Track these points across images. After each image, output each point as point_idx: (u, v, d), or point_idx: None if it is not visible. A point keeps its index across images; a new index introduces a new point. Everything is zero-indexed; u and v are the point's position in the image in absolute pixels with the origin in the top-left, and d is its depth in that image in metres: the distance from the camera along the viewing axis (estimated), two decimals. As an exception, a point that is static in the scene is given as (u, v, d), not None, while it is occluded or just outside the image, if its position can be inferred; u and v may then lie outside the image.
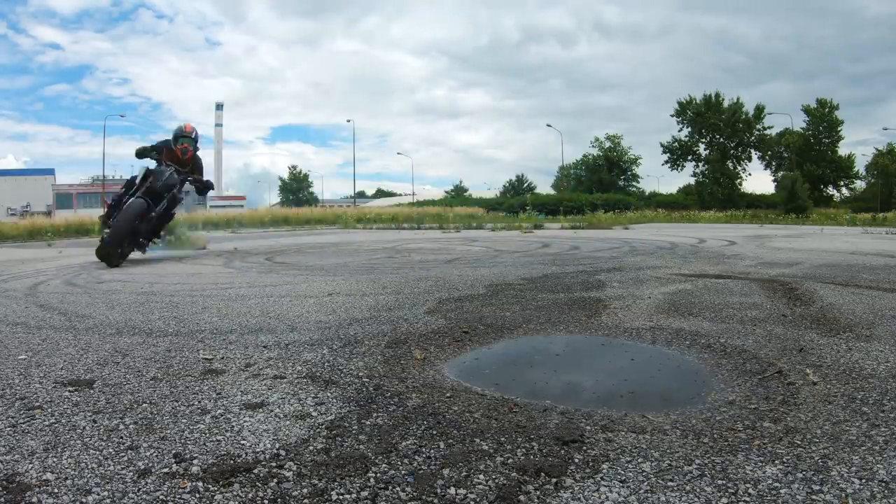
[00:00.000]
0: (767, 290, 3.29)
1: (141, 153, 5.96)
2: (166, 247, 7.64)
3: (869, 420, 1.33)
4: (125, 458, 1.15)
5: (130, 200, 5.63)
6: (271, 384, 1.64)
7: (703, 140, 46.35)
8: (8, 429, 1.31)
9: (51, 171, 61.79)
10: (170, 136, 6.22)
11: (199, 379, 1.69)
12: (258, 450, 1.20)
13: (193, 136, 6.30)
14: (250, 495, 1.01)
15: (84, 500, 0.99)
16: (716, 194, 42.15)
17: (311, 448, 1.20)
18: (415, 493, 1.02)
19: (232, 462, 1.14)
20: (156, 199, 5.75)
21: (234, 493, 1.02)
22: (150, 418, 1.38)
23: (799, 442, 1.22)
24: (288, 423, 1.35)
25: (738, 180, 45.31)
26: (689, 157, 46.92)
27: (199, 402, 1.49)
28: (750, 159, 46.12)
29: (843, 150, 45.71)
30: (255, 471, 1.10)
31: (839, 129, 45.24)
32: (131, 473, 1.09)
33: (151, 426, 1.32)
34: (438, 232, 14.26)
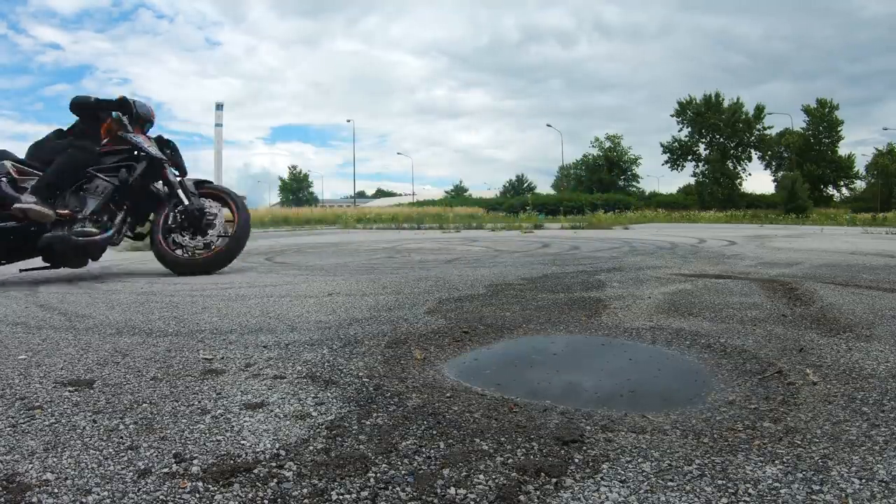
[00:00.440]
0: (767, 290, 3.29)
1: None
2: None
3: (869, 420, 1.33)
4: (125, 458, 1.15)
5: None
6: (271, 384, 1.64)
7: (703, 140, 46.40)
8: (8, 429, 1.31)
9: (51, 171, 61.56)
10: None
11: (199, 379, 1.69)
12: (258, 450, 1.20)
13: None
14: (250, 495, 1.01)
15: (84, 500, 0.99)
16: (716, 194, 42.19)
17: (311, 448, 1.20)
18: (415, 493, 1.02)
19: (232, 462, 1.14)
20: None
21: (234, 493, 1.02)
22: (150, 418, 1.38)
23: (799, 442, 1.22)
24: (288, 423, 1.35)
25: (738, 180, 45.38)
26: (689, 157, 46.97)
27: (199, 402, 1.49)
28: (750, 159, 46.20)
29: (843, 150, 45.84)
30: (255, 471, 1.10)
31: (839, 129, 45.30)
32: (131, 473, 1.09)
33: (151, 426, 1.32)
34: (438, 232, 14.26)
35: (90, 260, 4.72)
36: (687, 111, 45.39)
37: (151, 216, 4.91)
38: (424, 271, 4.46)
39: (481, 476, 1.08)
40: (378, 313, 2.69)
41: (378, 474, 1.09)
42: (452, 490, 1.03)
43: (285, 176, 66.23)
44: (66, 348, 2.08)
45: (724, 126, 43.96)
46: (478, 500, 1.00)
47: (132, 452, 1.18)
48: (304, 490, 1.03)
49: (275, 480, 1.06)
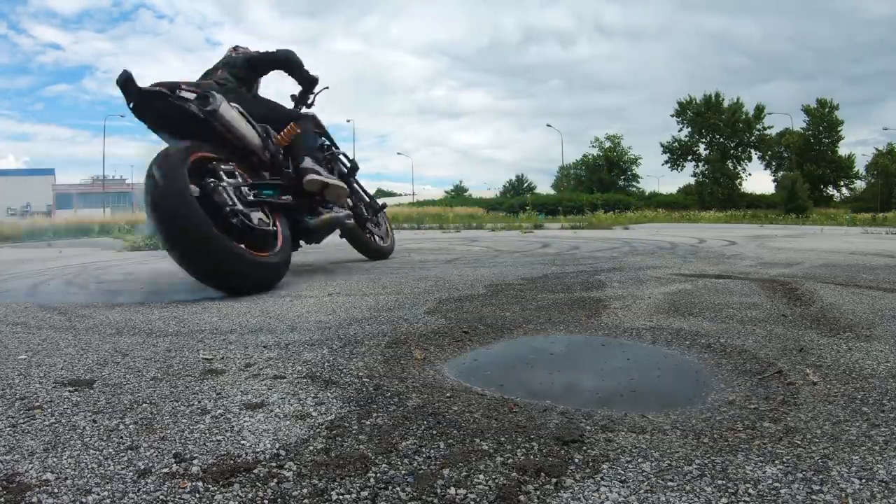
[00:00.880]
0: (767, 290, 3.29)
1: None
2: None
3: (869, 420, 1.33)
4: (125, 458, 1.15)
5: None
6: (271, 384, 1.64)
7: (703, 140, 46.42)
8: (8, 429, 1.31)
9: (51, 171, 61.82)
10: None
11: (199, 379, 1.69)
12: (258, 450, 1.20)
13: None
14: (250, 495, 1.01)
15: (84, 500, 0.99)
16: (716, 194, 42.21)
17: (311, 448, 1.20)
18: (415, 493, 1.02)
19: (232, 462, 1.14)
20: None
21: (234, 493, 1.02)
22: (150, 418, 1.38)
23: (799, 442, 1.22)
24: (288, 423, 1.35)
25: (738, 180, 45.40)
26: (689, 157, 47.00)
27: (199, 402, 1.49)
28: (750, 159, 46.23)
29: (843, 150, 45.88)
30: (255, 471, 1.10)
31: (839, 129, 45.32)
32: (131, 473, 1.09)
33: (151, 426, 1.32)
34: (438, 232, 14.26)
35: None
36: (687, 111, 45.39)
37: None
38: (424, 271, 4.46)
39: (481, 476, 1.08)
40: (378, 313, 2.69)
41: (378, 474, 1.09)
42: (452, 490, 1.03)
43: (285, 176, 66.04)
44: (66, 348, 2.08)
45: (724, 126, 43.96)
46: (478, 500, 1.00)
47: (132, 452, 1.18)
48: (304, 490, 1.03)
49: (275, 480, 1.07)
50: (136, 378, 1.70)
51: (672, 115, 45.87)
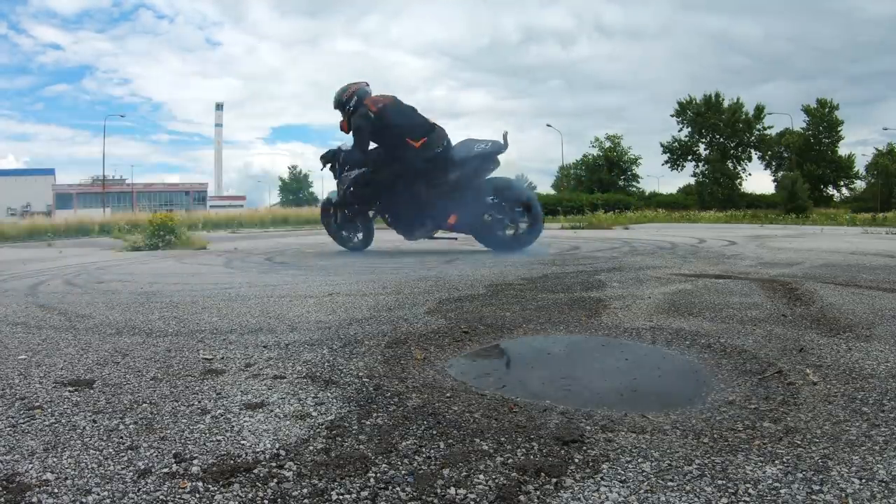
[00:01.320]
0: (767, 290, 3.29)
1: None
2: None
3: (869, 420, 1.33)
4: (125, 458, 1.15)
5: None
6: (271, 384, 1.64)
7: (703, 140, 46.39)
8: (8, 429, 1.31)
9: (51, 171, 61.80)
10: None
11: (199, 379, 1.69)
12: (258, 450, 1.20)
13: (335, 107, 5.77)
14: (250, 495, 1.01)
15: (84, 500, 0.99)
16: (716, 194, 42.18)
17: (311, 448, 1.20)
18: (415, 493, 1.02)
19: (232, 462, 1.14)
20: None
21: (234, 493, 1.02)
22: (150, 418, 1.38)
23: (799, 442, 1.22)
24: (288, 423, 1.35)
25: (738, 180, 45.36)
26: (689, 157, 46.97)
27: (199, 402, 1.49)
28: (750, 159, 46.18)
29: (843, 150, 45.79)
30: (255, 471, 1.10)
31: (839, 129, 45.28)
32: (131, 473, 1.09)
33: (151, 426, 1.32)
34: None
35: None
36: (687, 111, 45.39)
37: None
38: (424, 271, 4.46)
39: (481, 476, 1.08)
40: (378, 313, 2.69)
41: (378, 474, 1.09)
42: (452, 490, 1.03)
43: (285, 176, 66.08)
44: (66, 348, 2.08)
45: (724, 126, 43.94)
46: (478, 500, 1.00)
47: (132, 452, 1.18)
48: (304, 490, 1.03)
49: (275, 480, 1.07)
50: (136, 378, 1.70)
51: (672, 115, 45.93)
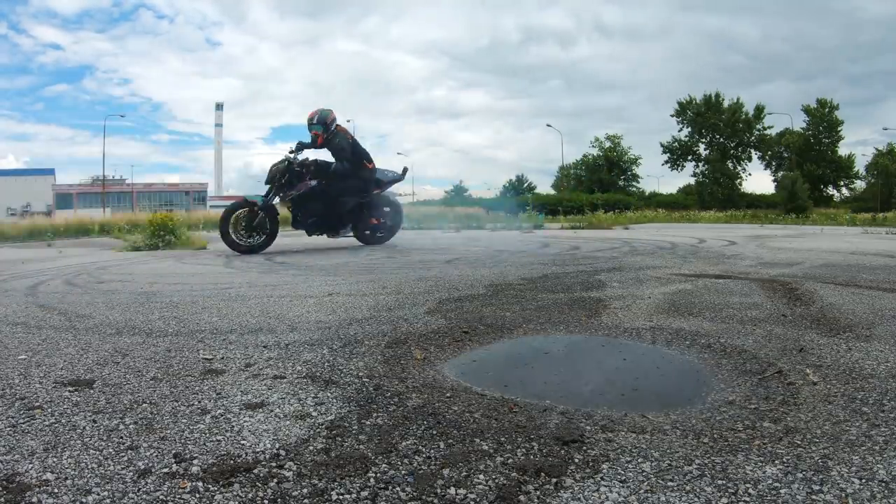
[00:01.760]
0: (767, 290, 3.29)
1: (294, 149, 6.86)
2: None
3: (869, 420, 1.33)
4: (125, 458, 1.15)
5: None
6: (271, 384, 1.64)
7: (703, 140, 46.42)
8: (8, 429, 1.31)
9: (51, 171, 61.78)
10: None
11: (199, 379, 1.69)
12: (258, 450, 1.20)
13: (315, 121, 6.81)
14: (250, 495, 1.01)
15: (84, 500, 0.99)
16: (716, 194, 42.20)
17: (311, 448, 1.21)
18: (415, 493, 1.02)
19: (232, 462, 1.14)
20: (278, 190, 6.76)
21: (234, 493, 1.02)
22: (150, 418, 1.38)
23: (799, 442, 1.22)
24: (288, 423, 1.35)
25: (738, 180, 45.40)
26: (689, 157, 47.00)
27: (199, 402, 1.49)
28: (750, 159, 46.21)
29: (843, 150, 45.83)
30: (255, 471, 1.10)
31: (839, 129, 45.30)
32: (131, 473, 1.09)
33: (151, 426, 1.33)
34: (438, 232, 14.26)
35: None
36: (687, 111, 45.42)
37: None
38: (424, 271, 4.46)
39: (481, 476, 1.08)
40: (378, 313, 2.69)
41: (378, 474, 1.09)
42: (452, 490, 1.03)
43: (285, 176, 66.10)
44: (66, 348, 2.08)
45: (724, 126, 43.99)
46: (478, 500, 1.00)
47: (132, 452, 1.18)
48: (304, 490, 1.03)
49: (275, 480, 1.07)
50: (136, 378, 1.70)
51: (672, 115, 45.98)
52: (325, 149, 6.94)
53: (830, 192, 45.97)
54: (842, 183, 46.43)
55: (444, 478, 1.08)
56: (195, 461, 1.14)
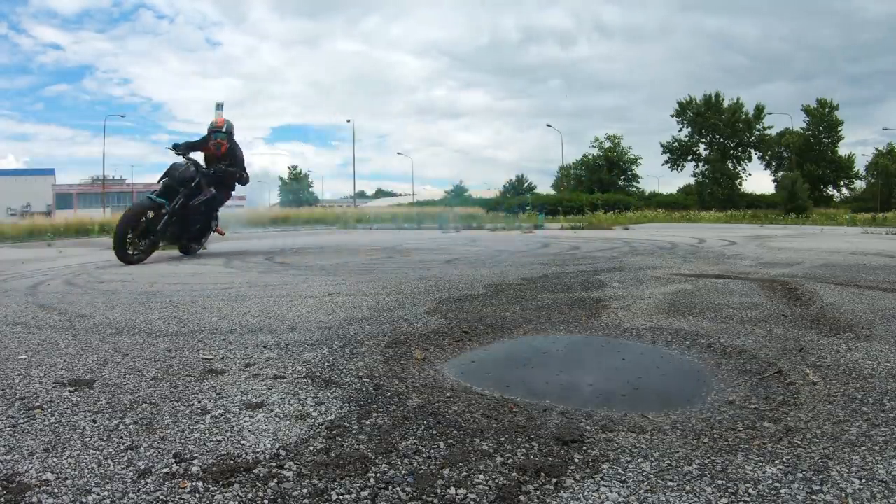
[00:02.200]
0: (767, 290, 3.29)
1: (175, 148, 6.22)
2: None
3: (869, 420, 1.33)
4: (125, 458, 1.15)
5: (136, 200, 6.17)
6: (271, 384, 1.64)
7: (703, 140, 46.40)
8: (8, 429, 1.31)
9: (51, 171, 61.76)
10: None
11: (199, 379, 1.69)
12: (258, 450, 1.20)
13: (225, 130, 6.46)
14: (250, 495, 1.01)
15: (84, 500, 0.99)
16: (716, 194, 42.17)
17: (311, 448, 1.20)
18: (415, 493, 1.02)
19: (232, 462, 1.14)
20: (173, 194, 5.90)
21: (234, 493, 1.02)
22: (150, 418, 1.38)
23: (799, 442, 1.22)
24: (288, 423, 1.35)
25: (738, 180, 45.36)
26: (689, 157, 46.98)
27: (199, 402, 1.49)
28: (750, 159, 46.18)
29: (843, 150, 45.76)
30: (255, 471, 1.10)
31: (839, 129, 45.26)
32: (131, 473, 1.09)
33: (151, 426, 1.33)
34: (438, 232, 14.26)
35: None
36: (687, 111, 45.39)
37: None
38: (424, 271, 4.46)
39: (481, 476, 1.08)
40: (378, 313, 2.69)
41: (378, 474, 1.09)
42: (452, 490, 1.03)
43: (285, 176, 66.02)
44: (66, 348, 2.08)
45: (724, 126, 43.95)
46: (478, 500, 1.00)
47: (132, 452, 1.18)
48: (304, 490, 1.03)
49: (275, 480, 1.07)
50: (136, 378, 1.70)
51: (672, 115, 45.94)
52: (223, 158, 6.41)
53: (830, 192, 45.95)
54: (842, 183, 46.41)
55: (444, 478, 1.08)
56: (195, 461, 1.14)
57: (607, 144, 50.36)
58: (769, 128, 45.55)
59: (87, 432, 1.29)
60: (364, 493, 1.02)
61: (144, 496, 1.01)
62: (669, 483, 1.05)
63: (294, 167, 66.94)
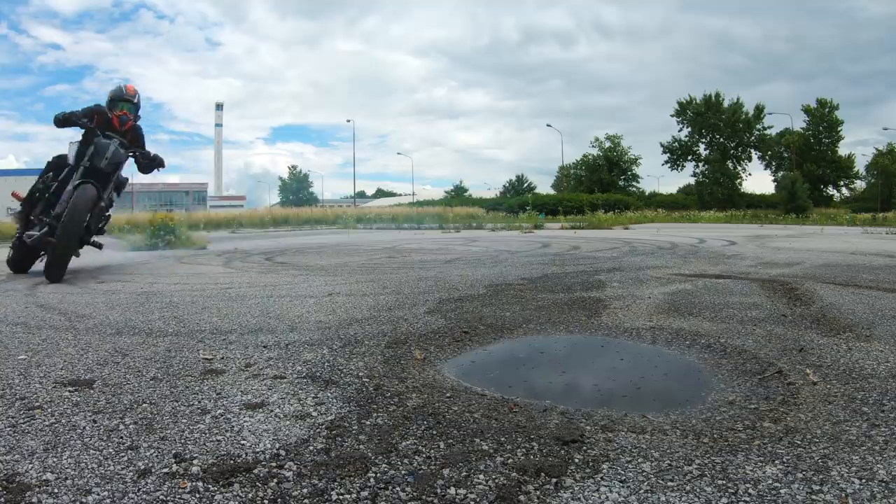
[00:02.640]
0: (767, 290, 3.29)
1: (64, 120, 4.60)
2: (165, 246, 7.60)
3: (869, 420, 1.33)
4: (125, 458, 1.15)
5: (79, 185, 4.32)
6: (271, 384, 1.64)
7: (703, 140, 46.39)
8: (8, 429, 1.31)
9: (51, 171, 61.51)
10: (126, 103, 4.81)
11: (199, 379, 1.69)
12: (258, 450, 1.20)
13: (136, 101, 4.93)
14: (250, 495, 1.01)
15: (84, 500, 0.99)
16: (716, 194, 42.17)
17: (311, 448, 1.20)
18: (415, 493, 1.02)
19: (232, 462, 1.14)
20: (103, 181, 4.52)
21: (234, 493, 1.02)
22: (150, 418, 1.38)
23: (799, 442, 1.22)
24: (288, 423, 1.35)
25: (738, 180, 45.35)
26: (689, 157, 46.97)
27: (199, 402, 1.49)
28: (750, 159, 46.17)
29: (843, 150, 45.75)
30: (255, 471, 1.10)
31: (839, 129, 45.25)
32: (131, 473, 1.09)
33: (151, 426, 1.33)
34: (438, 232, 14.27)
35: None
36: (687, 111, 45.40)
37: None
38: (424, 271, 4.46)
39: (481, 476, 1.08)
40: (378, 313, 2.69)
41: (378, 474, 1.09)
42: (452, 490, 1.03)
43: (285, 176, 65.98)
44: (66, 348, 2.08)
45: (724, 126, 43.97)
46: (478, 500, 1.00)
47: (132, 452, 1.18)
48: (304, 490, 1.03)
49: (275, 480, 1.06)
50: (136, 378, 1.70)
51: (672, 115, 45.97)
52: (124, 137, 4.75)
53: (830, 192, 45.94)
54: (842, 183, 46.41)
55: (444, 478, 1.08)
56: (195, 461, 1.14)
57: (607, 144, 50.34)
58: (769, 128, 45.56)
59: (87, 432, 1.29)
60: (364, 493, 1.02)
61: (144, 496, 1.01)
62: (669, 483, 1.05)
63: (294, 167, 66.97)
